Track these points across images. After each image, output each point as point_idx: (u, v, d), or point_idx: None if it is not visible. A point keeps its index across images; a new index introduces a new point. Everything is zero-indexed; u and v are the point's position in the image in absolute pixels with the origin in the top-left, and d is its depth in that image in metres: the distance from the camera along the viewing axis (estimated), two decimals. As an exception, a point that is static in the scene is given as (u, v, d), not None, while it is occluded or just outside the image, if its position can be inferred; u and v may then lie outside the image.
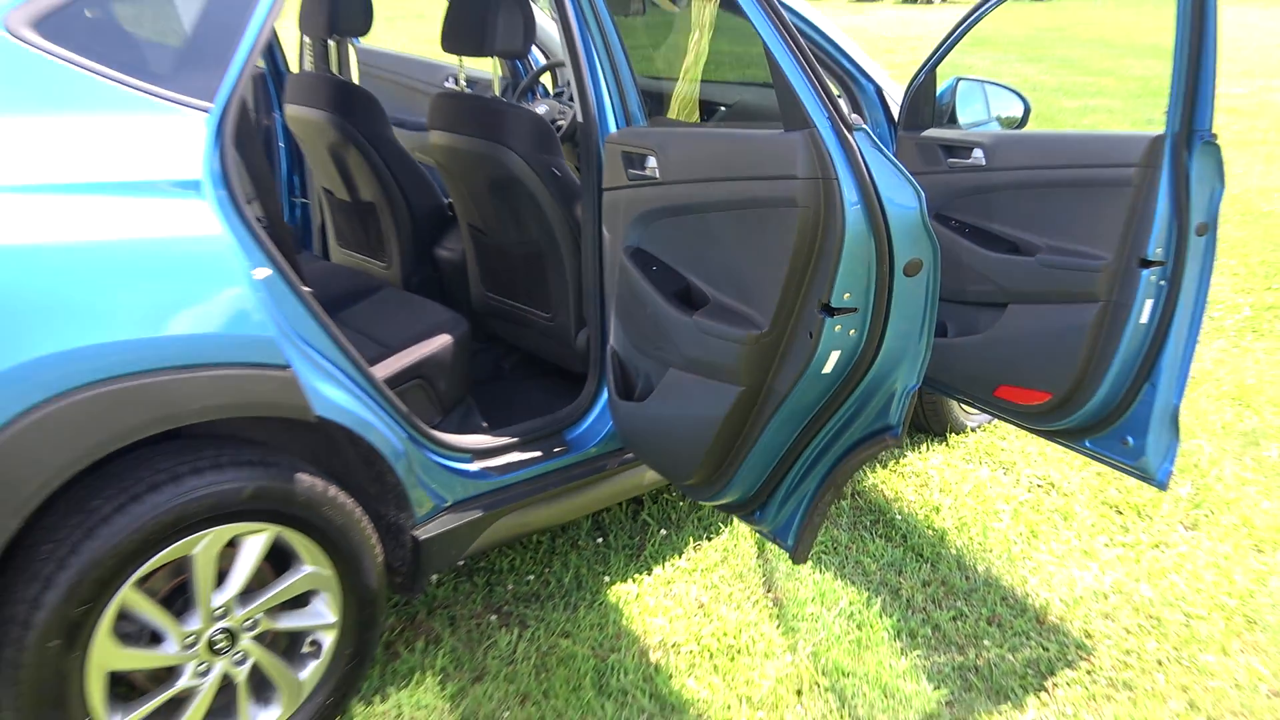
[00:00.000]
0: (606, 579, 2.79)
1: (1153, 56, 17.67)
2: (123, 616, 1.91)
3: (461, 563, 2.82)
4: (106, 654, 1.89)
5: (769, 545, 2.95)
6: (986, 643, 2.57)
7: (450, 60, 4.34)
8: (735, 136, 2.14)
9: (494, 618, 2.64)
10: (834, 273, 1.83)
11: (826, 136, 1.82)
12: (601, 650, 2.51)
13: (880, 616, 2.65)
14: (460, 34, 2.65)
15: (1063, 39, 19.23)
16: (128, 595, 1.89)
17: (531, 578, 2.79)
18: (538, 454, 2.54)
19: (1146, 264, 2.38)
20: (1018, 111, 3.12)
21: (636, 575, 2.81)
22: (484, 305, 3.11)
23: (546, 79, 4.19)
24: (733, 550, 2.93)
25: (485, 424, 2.67)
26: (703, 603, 2.70)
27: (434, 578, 2.75)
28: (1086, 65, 15.20)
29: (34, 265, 1.70)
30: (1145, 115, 10.60)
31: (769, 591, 2.76)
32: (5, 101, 1.75)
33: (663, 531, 3.00)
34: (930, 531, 3.05)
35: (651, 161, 2.19)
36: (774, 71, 1.89)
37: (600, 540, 2.97)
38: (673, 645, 2.54)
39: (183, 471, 1.91)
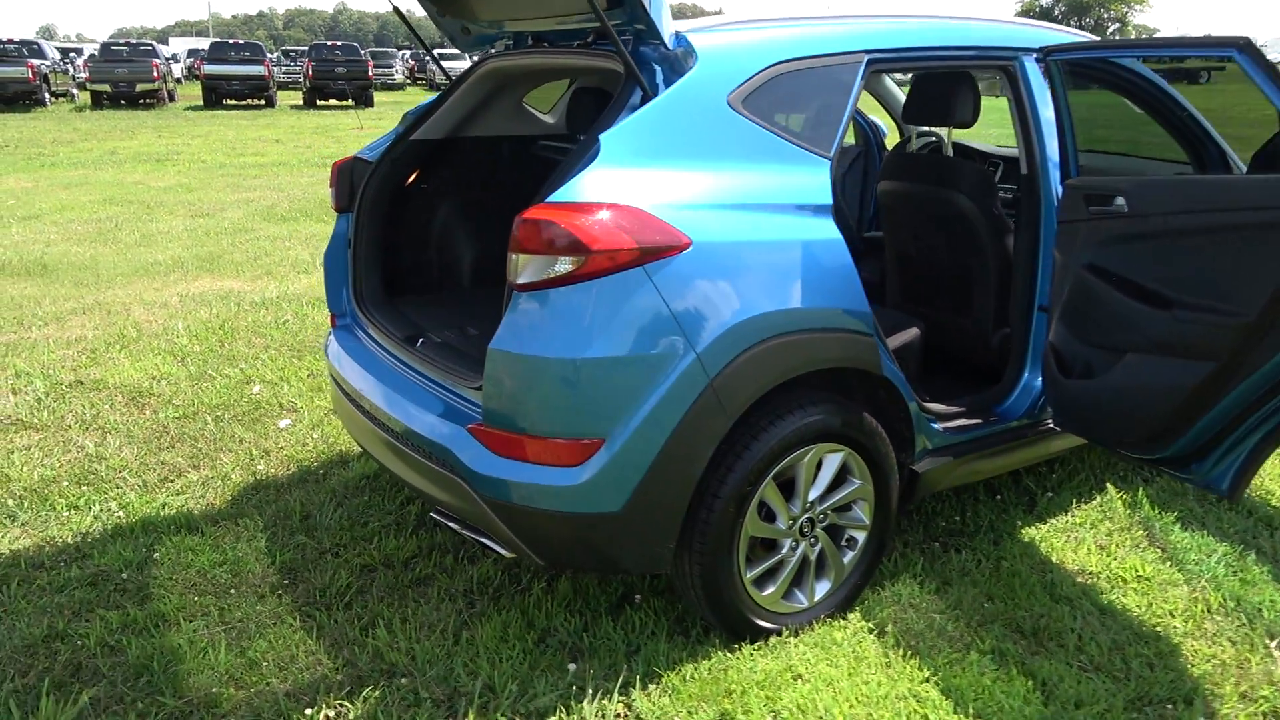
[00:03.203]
0: (1018, 524, 3.24)
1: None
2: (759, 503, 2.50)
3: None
4: (752, 523, 2.49)
5: (1140, 506, 3.33)
6: (1354, 589, 2.88)
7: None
8: (1224, 181, 2.58)
9: (936, 545, 3.14)
10: None
11: None
12: (1037, 569, 2.96)
13: (1255, 565, 3.00)
14: (923, 108, 3.22)
15: None
16: (768, 485, 2.48)
17: (957, 519, 3.28)
18: (979, 421, 3.04)
19: None
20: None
21: (1035, 525, 3.25)
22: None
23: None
24: (1108, 510, 3.33)
25: (927, 397, 3.17)
26: (1103, 545, 3.12)
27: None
28: None
29: (750, 255, 2.34)
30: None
31: (1151, 542, 3.14)
32: (729, 152, 2.41)
33: (1048, 494, 3.44)
34: (1271, 509, 3.36)
35: (1119, 200, 2.68)
36: None
37: (998, 497, 3.43)
38: (1090, 573, 2.96)
39: (803, 404, 2.50)
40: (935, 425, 2.92)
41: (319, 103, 26.05)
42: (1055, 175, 3.01)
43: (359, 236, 3.24)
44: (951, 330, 3.48)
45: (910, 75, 3.34)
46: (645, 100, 2.39)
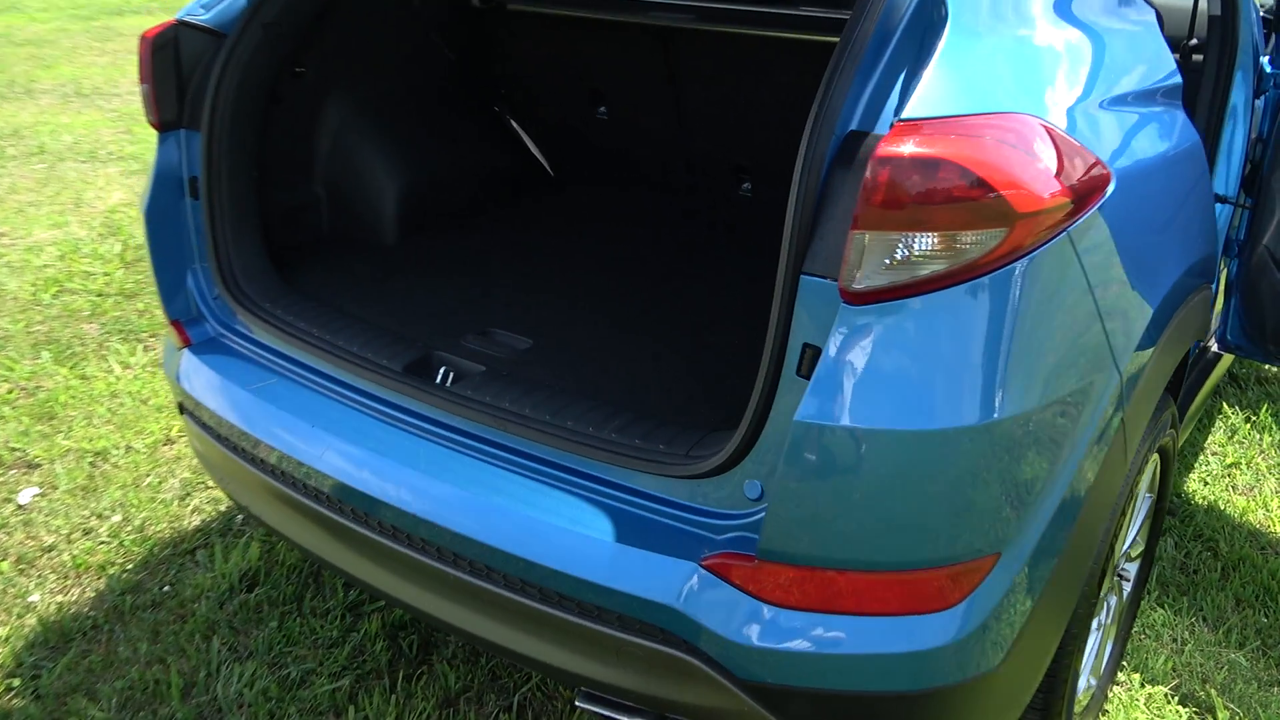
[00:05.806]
0: (1177, 480, 2.61)
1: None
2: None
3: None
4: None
5: (1271, 430, 2.83)
6: None
7: None
8: None
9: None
10: None
11: None
12: (1256, 546, 2.35)
13: None
14: None
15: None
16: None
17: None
18: None
19: None
20: None
21: (1192, 480, 2.63)
22: None
23: None
24: (1247, 441, 2.78)
25: None
26: (1286, 493, 2.56)
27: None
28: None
29: (1154, 185, 1.37)
30: None
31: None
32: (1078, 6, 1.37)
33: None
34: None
35: None
36: None
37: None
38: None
39: None
40: None
41: None
42: (1255, 15, 2.25)
43: (216, 173, 1.76)
44: None
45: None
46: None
